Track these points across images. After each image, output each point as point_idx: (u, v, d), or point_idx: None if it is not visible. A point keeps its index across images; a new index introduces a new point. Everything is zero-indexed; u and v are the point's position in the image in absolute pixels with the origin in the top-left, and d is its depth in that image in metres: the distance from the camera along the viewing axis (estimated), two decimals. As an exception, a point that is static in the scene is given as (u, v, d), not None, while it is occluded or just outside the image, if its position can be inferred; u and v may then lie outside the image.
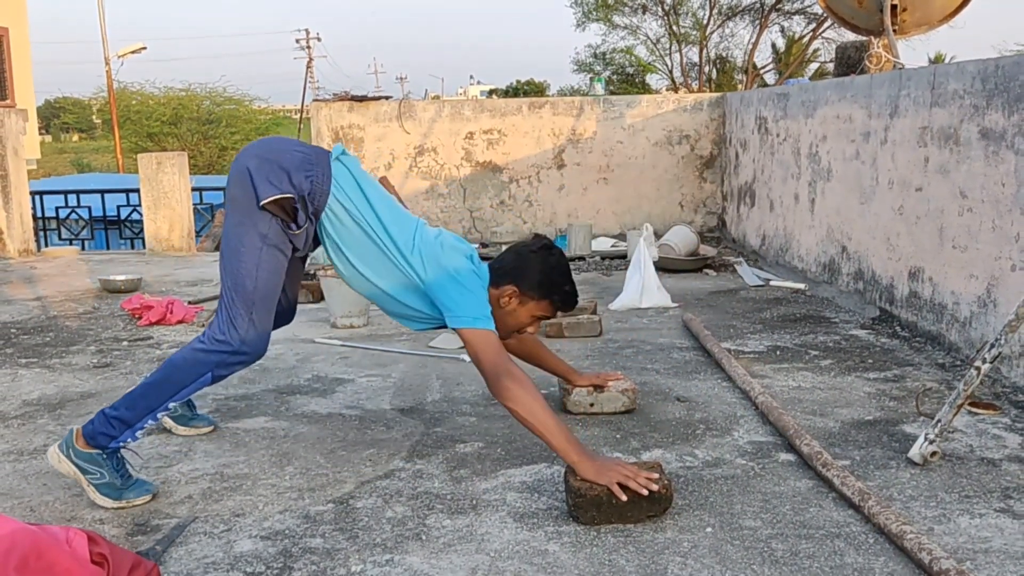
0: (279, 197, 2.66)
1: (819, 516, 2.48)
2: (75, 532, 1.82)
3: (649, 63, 32.13)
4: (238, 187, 2.71)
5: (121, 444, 2.64)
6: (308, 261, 5.87)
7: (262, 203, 2.66)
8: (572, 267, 6.75)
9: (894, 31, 5.82)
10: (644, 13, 30.19)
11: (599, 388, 3.35)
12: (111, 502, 2.59)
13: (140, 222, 9.29)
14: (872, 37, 6.03)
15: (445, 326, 2.81)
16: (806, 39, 29.34)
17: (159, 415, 2.68)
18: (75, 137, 58.09)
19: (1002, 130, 3.67)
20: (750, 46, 29.45)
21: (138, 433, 2.66)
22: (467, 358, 4.17)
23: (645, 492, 2.41)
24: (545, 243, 2.92)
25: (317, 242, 2.85)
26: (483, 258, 2.97)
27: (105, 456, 2.61)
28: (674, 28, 30.37)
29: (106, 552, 1.81)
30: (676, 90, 26.94)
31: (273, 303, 2.77)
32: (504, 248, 3.10)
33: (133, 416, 2.63)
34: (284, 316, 3.06)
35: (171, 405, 2.70)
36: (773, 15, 28.91)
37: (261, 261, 2.70)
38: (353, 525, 2.47)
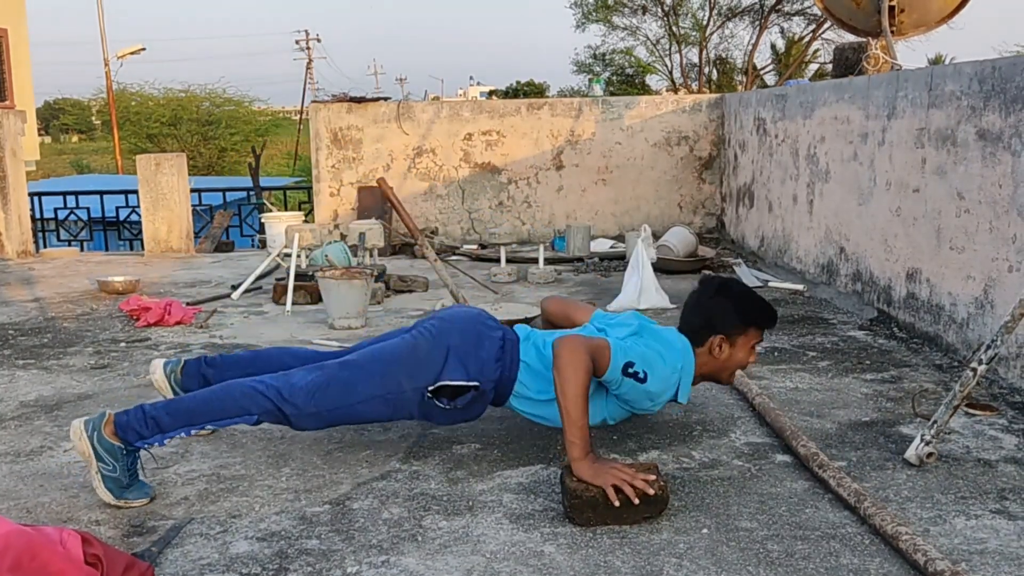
0: (462, 384, 2.75)
1: (815, 517, 2.48)
2: (69, 533, 1.82)
3: (649, 64, 32.15)
4: (429, 343, 2.79)
5: (147, 446, 2.64)
6: (307, 263, 5.89)
7: (440, 384, 2.74)
8: (570, 268, 6.77)
9: (892, 32, 5.82)
10: (644, 14, 30.21)
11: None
12: (111, 497, 2.58)
13: (139, 223, 9.29)
14: (870, 38, 6.03)
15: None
16: (806, 40, 29.35)
17: (193, 432, 2.69)
18: (74, 138, 58.11)
19: (999, 131, 3.67)
20: (750, 47, 29.47)
21: (167, 440, 2.66)
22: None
23: (636, 501, 2.41)
24: (719, 283, 2.99)
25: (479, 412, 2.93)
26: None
27: (125, 452, 2.61)
28: (674, 29, 30.39)
29: (100, 553, 1.82)
30: (676, 91, 26.93)
31: (351, 423, 2.87)
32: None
33: (170, 423, 2.63)
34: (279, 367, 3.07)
35: (209, 427, 2.71)
36: (773, 16, 28.92)
37: (373, 400, 2.76)
38: (349, 526, 2.47)
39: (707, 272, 3.08)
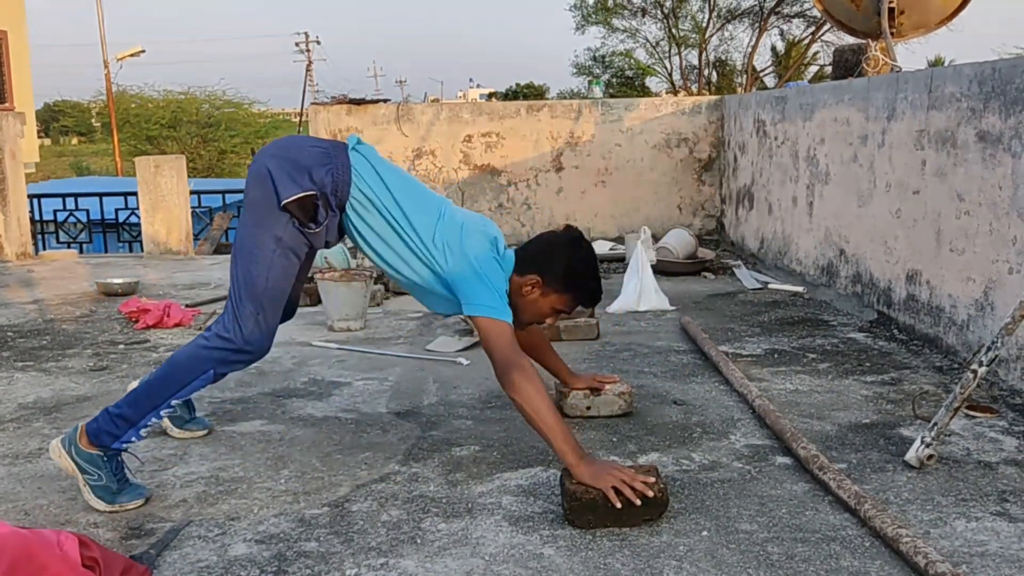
0: (301, 195, 2.66)
1: (815, 519, 2.47)
2: (66, 536, 1.81)
3: (648, 66, 32.17)
4: (257, 188, 2.71)
5: (124, 445, 2.63)
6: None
7: (284, 203, 2.66)
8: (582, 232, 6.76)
9: (891, 34, 5.82)
10: (643, 16, 30.24)
11: (595, 391, 3.35)
12: (104, 505, 2.58)
13: (138, 225, 9.28)
14: (870, 40, 6.02)
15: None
16: (805, 42, 29.37)
17: (162, 413, 2.67)
18: (74, 140, 58.08)
19: (999, 133, 3.67)
20: (749, 49, 29.48)
21: (142, 432, 2.65)
22: (464, 361, 4.17)
23: (639, 502, 2.41)
24: (575, 235, 2.89)
25: (342, 233, 2.83)
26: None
27: (106, 458, 2.61)
28: (673, 31, 30.42)
29: (97, 556, 1.81)
30: (675, 93, 26.96)
31: (281, 304, 2.77)
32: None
33: (136, 414, 2.62)
34: (285, 314, 3.06)
35: (174, 403, 2.69)
36: (772, 18, 28.94)
37: (273, 264, 2.70)
38: (348, 528, 2.46)
39: (575, 227, 3.00)
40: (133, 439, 2.64)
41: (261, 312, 2.70)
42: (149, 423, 2.66)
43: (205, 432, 3.22)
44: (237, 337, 2.68)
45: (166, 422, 3.18)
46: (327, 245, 2.83)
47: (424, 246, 2.75)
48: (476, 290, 2.69)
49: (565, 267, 2.81)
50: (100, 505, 2.58)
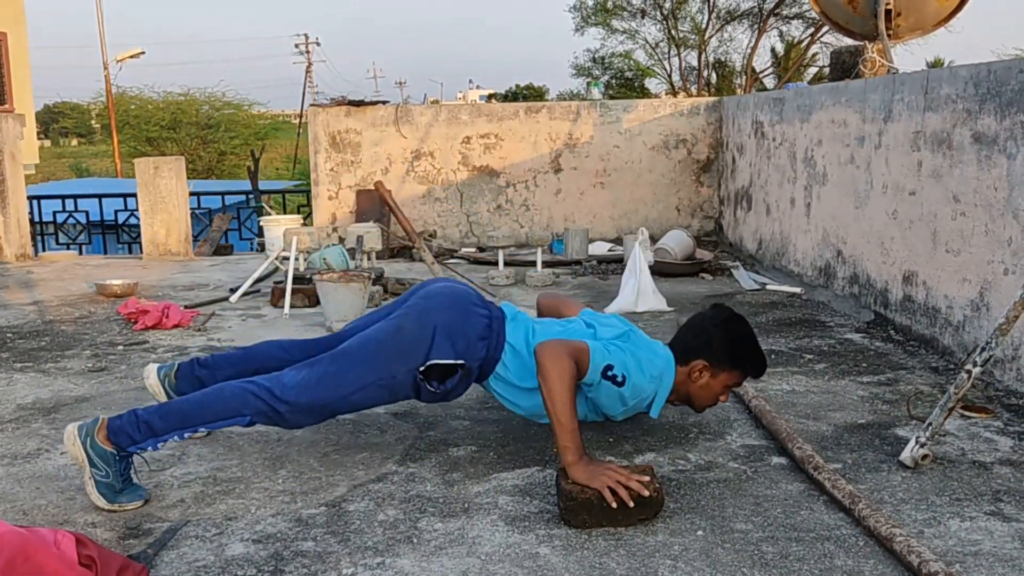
0: (451, 363, 2.75)
1: (810, 519, 2.49)
2: (63, 534, 1.83)
3: (648, 67, 32.19)
4: (415, 323, 2.77)
5: (140, 450, 2.64)
6: (305, 266, 5.90)
7: (430, 363, 2.73)
8: (568, 271, 6.78)
9: (888, 36, 5.84)
10: (643, 17, 30.27)
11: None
12: (105, 503, 2.58)
13: (137, 227, 9.29)
14: (867, 42, 6.04)
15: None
16: (804, 44, 29.39)
17: (187, 435, 2.68)
18: (74, 142, 58.12)
19: (994, 134, 3.68)
20: (749, 50, 29.52)
21: (159, 444, 2.65)
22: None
23: (632, 504, 2.42)
24: (726, 314, 2.97)
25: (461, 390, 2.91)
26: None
27: (118, 458, 2.61)
28: (673, 32, 30.44)
29: (94, 554, 1.82)
30: (675, 94, 26.96)
31: (335, 414, 2.85)
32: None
33: (163, 427, 2.62)
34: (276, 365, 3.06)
35: (201, 430, 2.71)
36: (771, 19, 28.97)
37: (368, 390, 2.75)
38: (345, 528, 2.48)
39: (721, 304, 3.07)
40: (149, 448, 2.64)
41: (322, 407, 2.75)
42: (170, 440, 2.66)
43: (204, 434, 3.19)
44: (291, 401, 2.70)
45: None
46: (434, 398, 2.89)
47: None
48: (619, 352, 2.78)
49: (729, 347, 2.90)
50: (101, 502, 2.58)
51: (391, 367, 2.74)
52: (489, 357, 2.83)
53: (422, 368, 2.75)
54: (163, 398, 2.99)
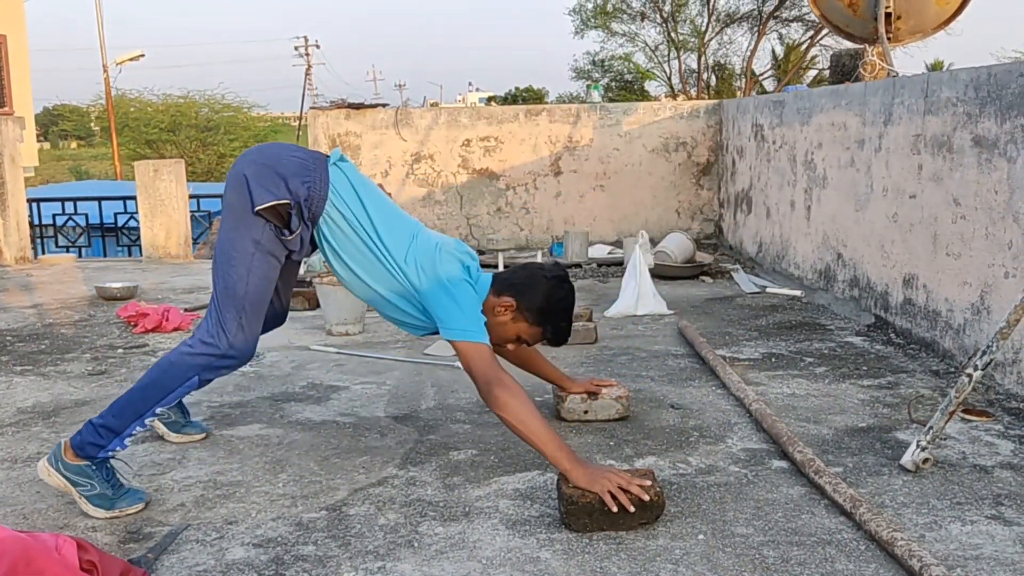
0: (274, 203, 2.67)
1: (811, 523, 2.48)
2: (64, 539, 1.82)
3: (648, 70, 32.20)
4: (234, 193, 2.73)
5: (110, 453, 2.63)
6: (305, 269, 5.89)
7: (257, 209, 2.67)
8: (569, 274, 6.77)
9: (888, 39, 5.84)
10: (642, 20, 30.27)
11: (593, 395, 3.36)
12: (103, 512, 2.58)
13: (137, 229, 9.29)
14: (867, 45, 6.05)
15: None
16: (804, 46, 29.40)
17: (147, 421, 2.67)
18: (73, 144, 58.10)
19: (995, 138, 3.68)
20: (748, 53, 29.51)
21: (126, 441, 2.65)
22: (461, 365, 4.18)
23: (632, 509, 2.42)
24: (561, 273, 2.92)
25: (315, 246, 2.86)
26: (485, 265, 2.98)
27: (95, 467, 2.60)
28: (672, 35, 30.44)
29: (95, 559, 1.82)
30: (675, 97, 26.98)
31: (263, 308, 2.77)
32: (515, 261, 3.10)
33: (120, 423, 2.62)
34: (276, 319, 3.08)
35: (159, 410, 2.69)
36: (771, 22, 28.96)
37: (253, 267, 2.71)
38: (346, 532, 2.47)
39: (561, 265, 3.03)
40: (118, 448, 2.64)
41: (244, 316, 2.71)
42: (134, 432, 2.65)
43: (202, 436, 3.22)
44: (221, 342, 2.68)
45: (162, 427, 3.18)
46: (299, 255, 2.83)
47: (396, 264, 2.78)
48: (451, 313, 2.73)
49: (543, 300, 2.85)
50: (99, 513, 2.58)
51: (245, 241, 2.69)
52: (313, 196, 2.72)
53: (265, 223, 2.68)
54: (167, 432, 3.12)
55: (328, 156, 2.84)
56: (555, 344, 2.96)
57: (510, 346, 2.96)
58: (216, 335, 2.69)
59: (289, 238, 2.73)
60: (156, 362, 2.74)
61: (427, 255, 2.80)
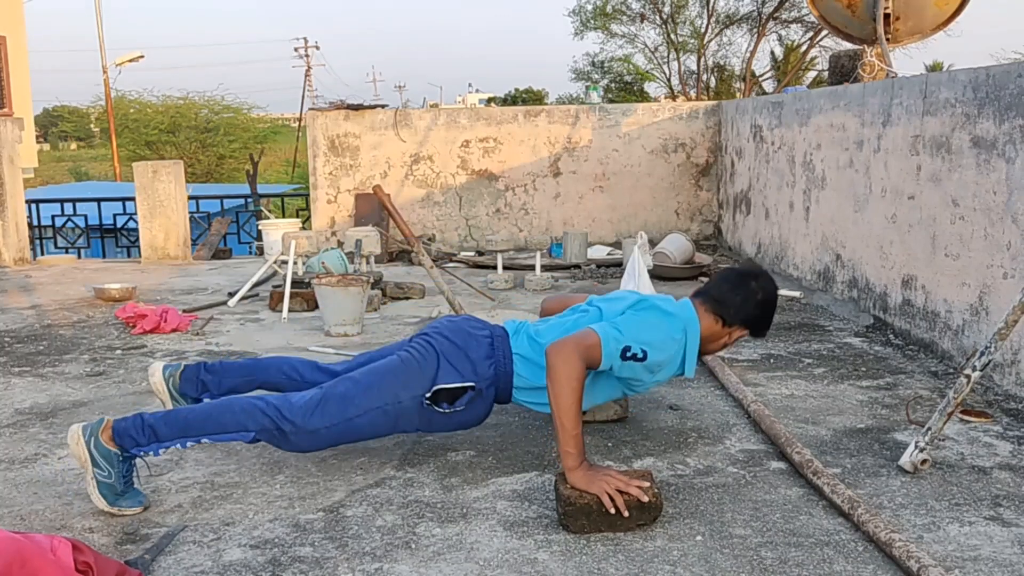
0: (456, 387, 2.78)
1: (809, 524, 2.48)
2: (60, 540, 1.82)
3: (647, 71, 32.20)
4: (419, 352, 2.82)
5: (142, 453, 2.64)
6: (304, 270, 5.89)
7: (435, 389, 2.77)
8: (567, 275, 6.78)
9: (887, 40, 5.84)
10: (642, 22, 30.27)
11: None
12: (106, 504, 2.58)
13: (136, 231, 9.29)
14: (866, 46, 6.05)
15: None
16: (803, 48, 29.41)
17: (189, 444, 2.69)
18: (73, 145, 58.08)
19: (993, 138, 3.68)
20: (748, 54, 29.52)
21: (162, 451, 2.66)
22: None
23: (626, 513, 2.41)
24: (774, 290, 2.98)
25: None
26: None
27: (122, 459, 2.61)
28: (672, 36, 30.45)
29: (91, 560, 1.81)
30: (674, 98, 27.00)
31: (351, 441, 2.85)
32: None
33: (167, 434, 2.64)
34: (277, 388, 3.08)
35: (204, 441, 2.70)
36: (770, 24, 28.97)
37: (371, 413, 2.77)
38: (343, 534, 2.47)
39: (754, 261, 3.13)
40: (150, 453, 2.65)
41: (329, 431, 2.74)
42: (173, 447, 2.67)
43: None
44: (297, 422, 2.70)
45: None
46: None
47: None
48: (627, 323, 2.75)
49: (764, 319, 2.95)
50: (101, 503, 2.58)
51: (397, 393, 2.77)
52: (500, 374, 2.84)
53: (428, 395, 2.77)
54: (165, 398, 3.01)
55: (506, 329, 2.95)
56: (759, 337, 3.03)
57: (722, 352, 3.06)
58: (298, 415, 2.71)
59: (444, 412, 2.81)
60: (231, 398, 2.78)
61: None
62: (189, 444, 2.68)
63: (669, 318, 2.82)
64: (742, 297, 2.89)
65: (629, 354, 2.68)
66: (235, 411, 2.69)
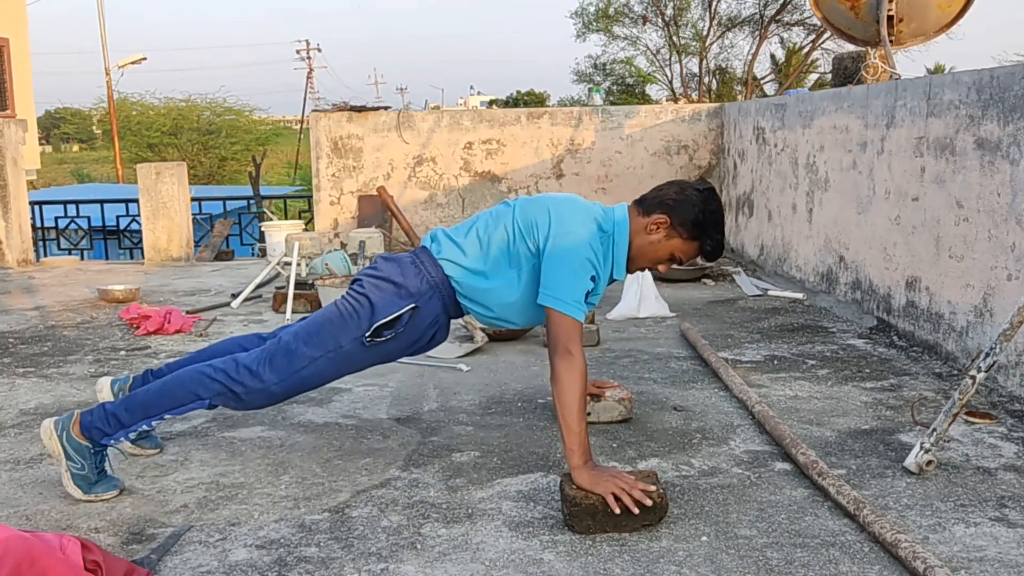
0: (395, 316, 2.75)
1: (814, 525, 2.48)
2: (69, 539, 1.82)
3: (649, 74, 32.20)
4: (354, 305, 2.79)
5: (112, 442, 2.72)
6: (307, 271, 5.90)
7: (373, 326, 2.74)
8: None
9: (890, 42, 5.84)
10: (644, 24, 30.27)
11: (595, 397, 3.36)
12: (81, 494, 2.66)
13: (139, 232, 9.29)
14: (869, 48, 6.05)
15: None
16: (805, 50, 29.42)
17: (153, 423, 2.75)
18: (75, 147, 58.14)
19: (997, 140, 3.68)
20: (750, 57, 29.53)
21: (131, 434, 2.75)
22: (465, 367, 4.18)
23: (636, 511, 2.41)
24: (710, 187, 2.87)
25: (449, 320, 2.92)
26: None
27: (93, 451, 2.69)
28: (674, 39, 30.45)
29: (99, 559, 1.82)
30: (676, 100, 26.99)
31: (302, 391, 2.85)
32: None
33: (129, 418, 2.71)
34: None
35: (167, 416, 2.76)
36: (773, 26, 28.98)
37: (316, 362, 2.76)
38: (348, 534, 2.47)
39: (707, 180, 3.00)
40: (121, 439, 2.74)
41: (279, 384, 2.76)
42: (139, 428, 2.74)
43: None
44: (246, 382, 2.73)
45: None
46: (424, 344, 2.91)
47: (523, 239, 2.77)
48: (564, 281, 2.65)
49: (698, 213, 2.77)
50: (77, 493, 2.66)
51: (337, 339, 2.76)
52: (435, 283, 2.79)
53: (367, 334, 2.75)
54: None
55: (424, 242, 2.92)
56: (712, 258, 2.89)
57: (661, 267, 2.88)
58: (246, 375, 2.73)
59: (387, 339, 2.78)
60: (179, 371, 2.79)
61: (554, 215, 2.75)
62: (153, 423, 2.74)
63: (595, 226, 2.75)
64: (678, 200, 2.78)
65: (588, 300, 2.70)
66: (185, 383, 2.74)
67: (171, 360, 3.56)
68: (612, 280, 2.86)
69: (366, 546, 2.40)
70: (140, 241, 9.48)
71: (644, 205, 2.84)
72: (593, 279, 2.70)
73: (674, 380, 3.94)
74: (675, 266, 2.95)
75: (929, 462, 2.80)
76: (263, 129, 36.37)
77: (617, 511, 2.41)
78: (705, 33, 30.04)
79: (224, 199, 13.11)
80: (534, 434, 3.25)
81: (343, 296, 2.86)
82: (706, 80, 30.92)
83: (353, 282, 2.91)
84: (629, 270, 2.88)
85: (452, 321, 3.00)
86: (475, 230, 2.86)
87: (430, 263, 2.83)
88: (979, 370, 2.73)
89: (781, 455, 2.99)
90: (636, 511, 2.41)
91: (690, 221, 2.78)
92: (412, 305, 2.77)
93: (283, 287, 5.71)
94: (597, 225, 2.77)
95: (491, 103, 48.32)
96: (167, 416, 2.75)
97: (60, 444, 2.67)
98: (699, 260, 2.91)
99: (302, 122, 37.23)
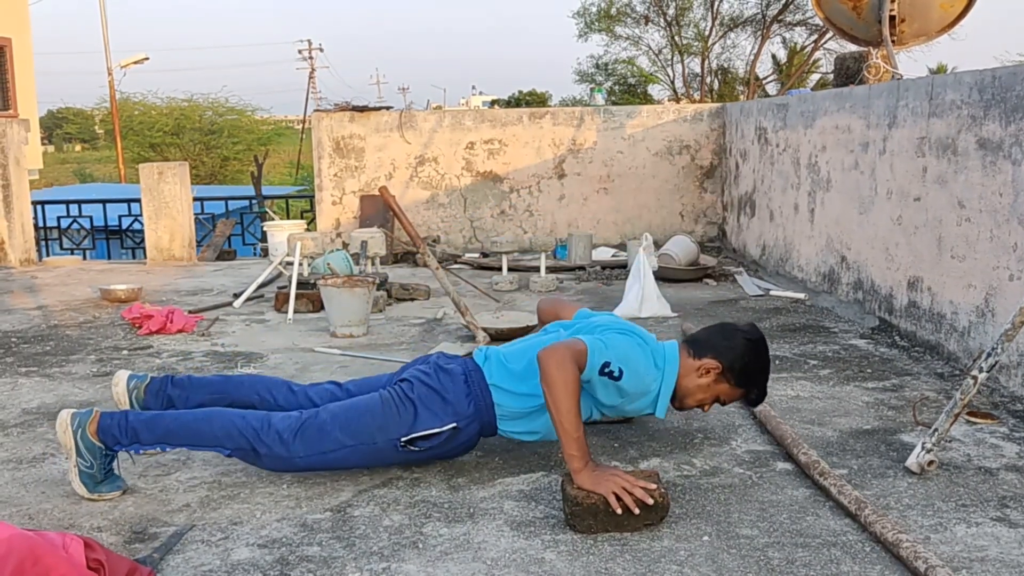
0: (436, 431, 2.76)
1: (816, 525, 2.48)
2: (72, 538, 1.83)
3: (651, 74, 32.19)
4: (399, 400, 2.79)
5: (119, 451, 2.72)
6: (309, 271, 5.90)
7: (412, 436, 2.75)
8: (572, 276, 6.78)
9: (892, 42, 5.84)
10: (646, 24, 30.26)
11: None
12: (85, 491, 2.67)
13: (141, 232, 9.30)
14: (871, 48, 6.05)
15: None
16: (807, 50, 29.40)
17: (168, 449, 2.74)
18: (78, 147, 58.17)
19: (999, 140, 3.68)
20: (752, 57, 29.51)
21: (141, 451, 2.74)
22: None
23: (637, 511, 2.42)
24: (760, 335, 2.92)
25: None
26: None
27: (105, 452, 2.69)
28: (676, 39, 30.43)
29: (102, 558, 1.82)
30: (678, 100, 26.98)
31: (320, 470, 2.84)
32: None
33: (148, 438, 2.69)
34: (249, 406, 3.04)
35: (182, 448, 2.76)
36: (775, 26, 28.96)
37: (345, 450, 2.76)
38: (350, 533, 2.48)
39: (756, 325, 3.01)
40: (131, 452, 2.73)
41: (304, 459, 2.74)
42: (151, 451, 2.74)
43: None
44: (273, 447, 2.71)
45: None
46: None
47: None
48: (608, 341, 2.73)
49: (748, 363, 2.85)
50: (82, 491, 2.67)
51: (372, 435, 2.76)
52: (481, 408, 2.81)
53: (403, 439, 2.76)
54: (126, 407, 2.99)
55: (476, 361, 2.91)
56: (755, 405, 2.98)
57: (705, 408, 2.93)
58: (275, 439, 2.71)
59: (420, 451, 2.79)
60: (213, 410, 2.79)
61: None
62: (168, 449, 2.74)
63: (648, 351, 2.81)
64: (728, 345, 2.85)
65: (607, 370, 2.68)
66: (215, 428, 2.72)
67: (195, 374, 3.52)
68: (648, 413, 2.89)
69: (368, 545, 2.40)
70: (142, 241, 9.49)
71: (695, 347, 2.88)
72: (620, 373, 2.70)
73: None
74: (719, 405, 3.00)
75: (931, 462, 2.80)
76: (265, 129, 36.37)
77: (618, 511, 2.41)
78: (707, 33, 30.02)
79: (226, 199, 13.12)
80: (536, 434, 3.24)
81: (389, 390, 2.85)
82: (708, 80, 30.90)
83: (402, 380, 2.90)
84: (672, 405, 2.91)
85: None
86: (532, 358, 2.82)
87: (480, 386, 2.83)
88: (981, 370, 2.73)
89: (783, 455, 3.00)
90: (637, 511, 2.42)
91: (740, 370, 2.84)
92: (453, 425, 2.78)
93: (285, 287, 5.71)
94: (652, 362, 2.81)
95: (493, 103, 48.30)
96: (183, 448, 2.76)
97: (74, 439, 2.66)
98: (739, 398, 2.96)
99: (304, 122, 37.26)
